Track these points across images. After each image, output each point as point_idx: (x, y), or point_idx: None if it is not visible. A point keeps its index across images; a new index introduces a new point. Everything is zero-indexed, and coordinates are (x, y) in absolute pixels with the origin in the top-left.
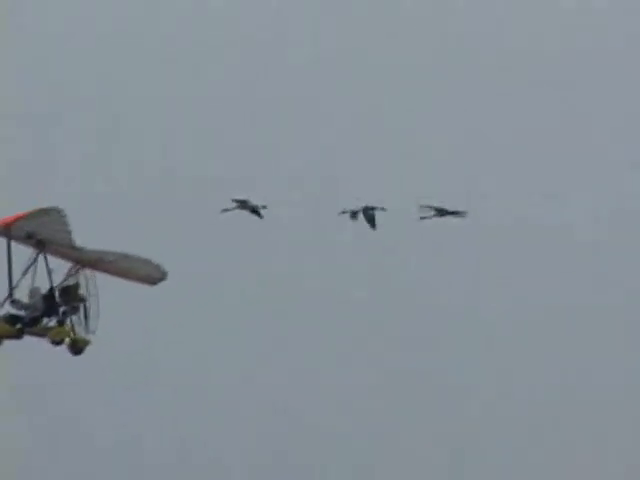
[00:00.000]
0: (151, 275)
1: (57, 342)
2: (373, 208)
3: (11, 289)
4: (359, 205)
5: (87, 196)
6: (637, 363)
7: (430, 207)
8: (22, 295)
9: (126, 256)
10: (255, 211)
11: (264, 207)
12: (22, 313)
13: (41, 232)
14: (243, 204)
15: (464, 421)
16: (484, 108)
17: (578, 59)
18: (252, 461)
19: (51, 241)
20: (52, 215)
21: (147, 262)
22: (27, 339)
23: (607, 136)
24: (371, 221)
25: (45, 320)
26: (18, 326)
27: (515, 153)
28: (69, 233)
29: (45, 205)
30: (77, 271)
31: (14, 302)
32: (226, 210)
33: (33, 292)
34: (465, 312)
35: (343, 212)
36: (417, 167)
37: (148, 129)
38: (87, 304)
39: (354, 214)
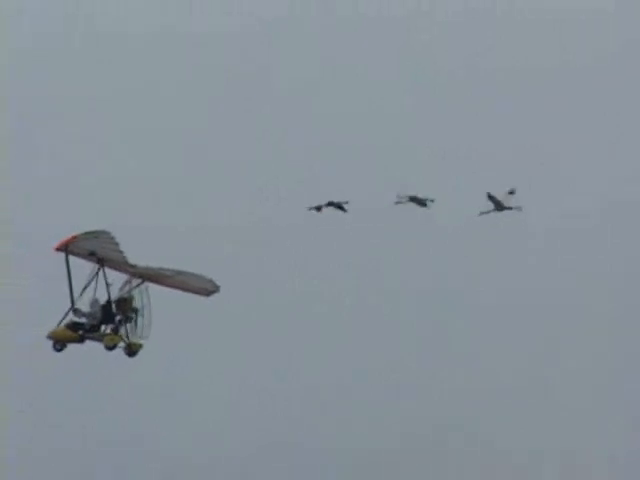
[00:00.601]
0: (206, 288)
1: (110, 347)
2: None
3: (73, 300)
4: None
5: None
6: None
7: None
8: (84, 305)
9: (180, 272)
10: (340, 207)
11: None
12: (83, 320)
13: (99, 251)
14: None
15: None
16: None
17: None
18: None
19: (109, 258)
20: (103, 236)
21: (201, 277)
22: (88, 343)
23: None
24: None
25: (103, 327)
26: (80, 332)
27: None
28: (121, 252)
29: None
30: (132, 284)
31: (76, 311)
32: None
33: (93, 303)
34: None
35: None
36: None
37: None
38: (140, 314)
39: (318, 208)
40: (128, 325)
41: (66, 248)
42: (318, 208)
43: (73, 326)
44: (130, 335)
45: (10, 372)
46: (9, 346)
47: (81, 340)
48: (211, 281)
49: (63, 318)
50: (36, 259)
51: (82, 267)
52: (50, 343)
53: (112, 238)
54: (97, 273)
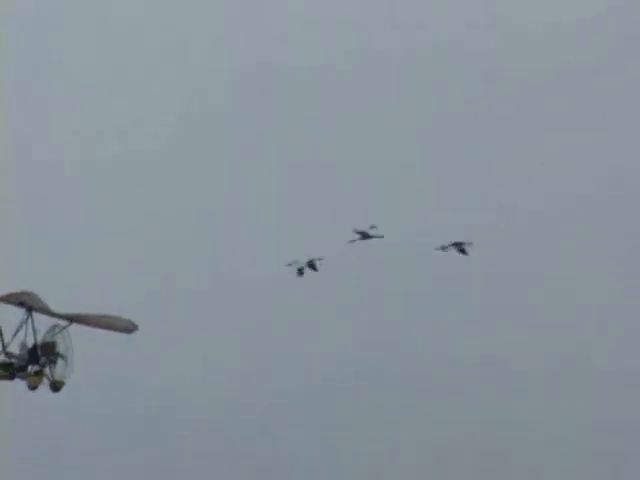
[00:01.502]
0: (128, 327)
1: (32, 388)
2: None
3: (3, 344)
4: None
5: None
6: None
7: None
8: (14, 348)
9: (104, 315)
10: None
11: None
12: (14, 361)
13: (28, 301)
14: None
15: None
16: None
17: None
18: None
19: (36, 307)
20: (29, 294)
21: (121, 318)
22: (17, 381)
23: None
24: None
25: (30, 367)
26: (10, 371)
27: None
28: (45, 304)
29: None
30: (56, 330)
31: (7, 354)
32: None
33: (22, 346)
34: None
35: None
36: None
37: None
38: (62, 356)
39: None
40: (52, 365)
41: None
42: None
43: (4, 366)
44: (54, 374)
45: None
46: None
47: (11, 378)
48: (130, 321)
49: None
50: None
51: (14, 314)
52: None
53: (36, 295)
54: (26, 320)
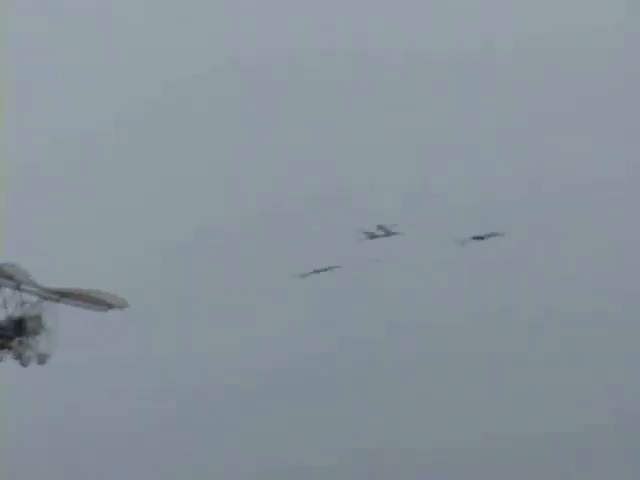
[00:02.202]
0: (118, 303)
1: (17, 356)
2: None
3: None
4: None
5: None
6: None
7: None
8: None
9: (93, 290)
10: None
11: None
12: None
13: (17, 275)
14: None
15: None
16: None
17: None
18: None
19: (25, 282)
20: (15, 267)
21: (110, 294)
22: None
23: None
24: None
25: (17, 339)
26: None
27: None
28: (30, 277)
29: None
30: (43, 304)
31: None
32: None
33: (7, 318)
34: None
35: None
36: None
37: None
38: (47, 329)
39: None
40: (37, 337)
41: None
42: None
43: None
44: (38, 346)
45: None
46: None
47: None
48: (119, 297)
49: None
50: None
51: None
52: None
53: (22, 268)
54: (14, 294)
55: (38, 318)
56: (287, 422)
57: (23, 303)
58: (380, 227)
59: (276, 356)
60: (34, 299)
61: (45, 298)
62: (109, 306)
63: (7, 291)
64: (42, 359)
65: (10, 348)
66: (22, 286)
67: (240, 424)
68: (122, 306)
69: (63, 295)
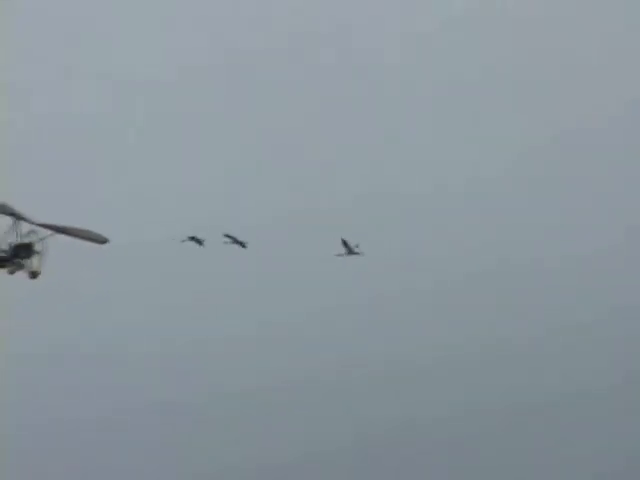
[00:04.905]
0: (100, 239)
1: (11, 273)
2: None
3: None
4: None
5: None
6: None
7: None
8: (3, 245)
9: (79, 228)
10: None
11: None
12: (1, 255)
13: (17, 212)
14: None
15: None
16: None
17: None
18: None
19: (23, 217)
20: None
21: (93, 231)
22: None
23: None
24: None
25: (15, 260)
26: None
27: None
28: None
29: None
30: (36, 234)
31: None
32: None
33: (9, 245)
34: None
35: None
36: None
37: None
38: (38, 253)
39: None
40: (30, 260)
41: None
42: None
43: None
44: (31, 266)
45: None
46: None
47: (1, 267)
48: (101, 234)
49: None
50: None
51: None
52: None
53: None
54: (13, 225)
55: (31, 245)
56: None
57: (21, 233)
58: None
59: None
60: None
61: (34, 229)
62: (94, 241)
63: (9, 224)
64: (34, 275)
65: (9, 267)
66: (20, 220)
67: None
68: (104, 242)
69: (55, 230)
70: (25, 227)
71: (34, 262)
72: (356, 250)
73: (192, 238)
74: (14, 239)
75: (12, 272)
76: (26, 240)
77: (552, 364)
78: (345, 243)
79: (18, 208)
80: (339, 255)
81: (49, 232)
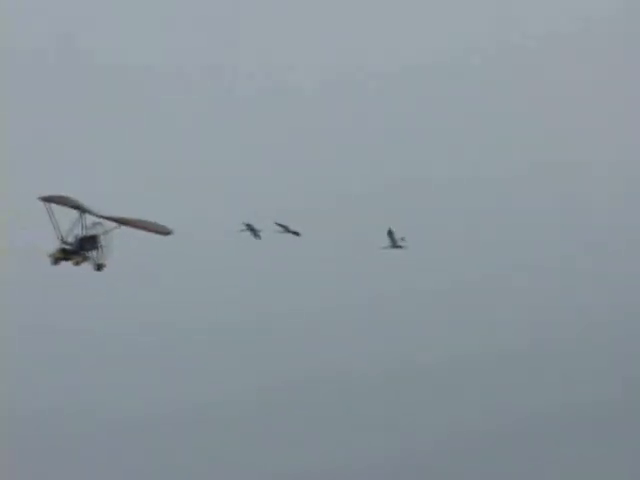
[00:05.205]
0: (165, 231)
1: (77, 264)
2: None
3: (61, 235)
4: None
5: None
6: None
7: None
8: (69, 238)
9: (141, 220)
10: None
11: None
12: (68, 247)
13: (82, 206)
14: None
15: None
16: None
17: None
18: None
19: (88, 210)
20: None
21: (157, 223)
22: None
23: None
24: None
25: (81, 252)
26: (65, 254)
27: None
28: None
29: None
30: (102, 227)
31: (64, 242)
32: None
33: (74, 237)
34: None
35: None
36: None
37: None
38: (103, 245)
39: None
40: (95, 252)
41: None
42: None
43: (62, 250)
44: (97, 258)
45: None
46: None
47: (66, 259)
48: (165, 226)
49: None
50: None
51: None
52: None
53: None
54: (79, 219)
55: (96, 237)
56: None
57: (86, 226)
58: None
59: None
60: (93, 223)
61: (99, 222)
62: (159, 232)
63: (74, 217)
64: (99, 267)
65: (74, 259)
66: (86, 213)
67: None
68: (168, 233)
69: (120, 222)
70: (90, 220)
71: (99, 255)
72: (401, 243)
73: (248, 227)
74: (80, 232)
75: (78, 264)
76: (91, 232)
77: (553, 366)
78: (391, 234)
79: (83, 201)
80: (384, 248)
81: (114, 224)
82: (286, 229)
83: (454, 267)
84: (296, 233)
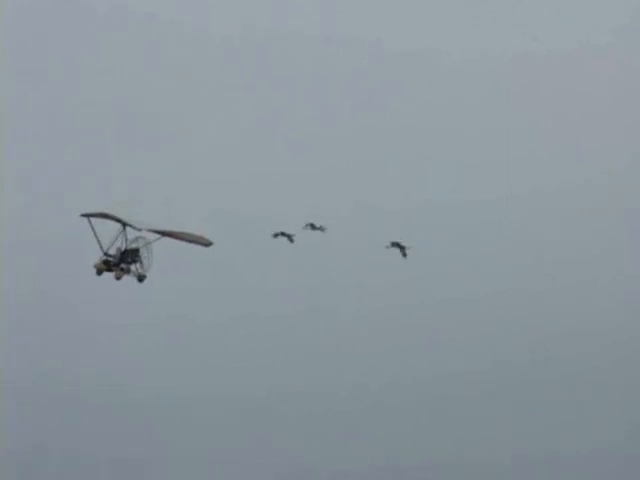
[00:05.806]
0: (206, 242)
1: (117, 278)
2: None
3: (102, 248)
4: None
5: None
6: None
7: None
8: (112, 250)
9: (184, 232)
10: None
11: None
12: (111, 259)
13: (123, 220)
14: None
15: None
16: None
17: None
18: None
19: (129, 224)
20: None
21: (197, 235)
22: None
23: None
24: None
25: (122, 264)
26: (108, 266)
27: None
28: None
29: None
30: (143, 239)
31: (106, 254)
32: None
33: (117, 249)
34: None
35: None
36: None
37: None
38: (144, 258)
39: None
40: (137, 264)
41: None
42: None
43: (105, 262)
44: (138, 270)
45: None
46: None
47: (109, 270)
48: (206, 238)
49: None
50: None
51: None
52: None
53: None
54: (121, 232)
55: (137, 250)
56: None
57: (127, 239)
58: None
59: None
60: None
61: (140, 235)
62: (200, 244)
63: (117, 230)
64: (140, 279)
65: (116, 272)
66: (127, 226)
67: None
68: (209, 244)
69: (162, 234)
70: (132, 233)
71: (140, 267)
72: (407, 252)
73: (282, 233)
74: (122, 244)
75: (119, 277)
76: (133, 245)
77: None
78: (399, 246)
79: (125, 215)
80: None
81: (156, 236)
82: (312, 226)
83: (471, 278)
84: (321, 229)
